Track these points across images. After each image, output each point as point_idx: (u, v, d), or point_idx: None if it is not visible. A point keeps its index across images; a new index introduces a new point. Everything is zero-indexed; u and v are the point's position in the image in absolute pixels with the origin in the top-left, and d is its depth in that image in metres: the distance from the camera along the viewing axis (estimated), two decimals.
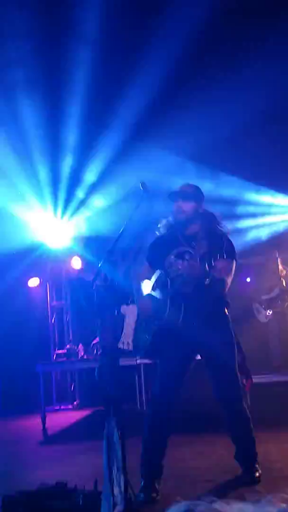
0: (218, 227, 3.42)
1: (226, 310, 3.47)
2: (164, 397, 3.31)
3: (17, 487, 3.21)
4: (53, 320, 8.96)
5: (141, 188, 3.20)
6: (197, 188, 3.47)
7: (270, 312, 7.31)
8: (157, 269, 3.40)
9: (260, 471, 3.40)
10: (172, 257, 3.35)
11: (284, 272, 7.29)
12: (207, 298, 3.28)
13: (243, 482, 3.34)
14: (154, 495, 3.11)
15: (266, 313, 7.35)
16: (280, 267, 7.33)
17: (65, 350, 7.66)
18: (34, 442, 5.63)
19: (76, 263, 8.46)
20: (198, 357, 3.49)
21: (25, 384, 7.88)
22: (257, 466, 3.43)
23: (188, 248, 3.33)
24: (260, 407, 6.17)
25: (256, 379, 6.36)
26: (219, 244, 3.30)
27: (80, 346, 7.41)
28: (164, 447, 3.35)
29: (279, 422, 5.37)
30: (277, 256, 7.33)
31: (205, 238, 3.28)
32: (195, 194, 3.42)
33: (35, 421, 6.53)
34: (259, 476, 3.36)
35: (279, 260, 7.33)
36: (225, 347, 3.37)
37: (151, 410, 3.40)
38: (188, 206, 3.37)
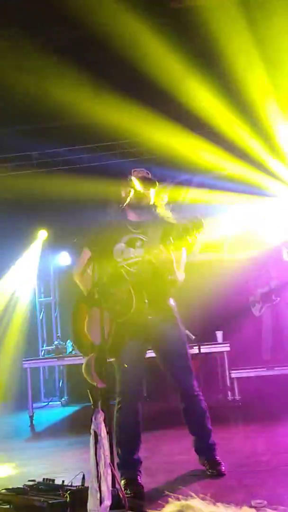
0: (167, 215, 3.42)
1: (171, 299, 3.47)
2: (132, 392, 3.31)
3: (5, 484, 3.19)
4: (41, 317, 8.93)
5: (130, 182, 3.20)
6: (151, 175, 3.45)
7: (265, 306, 7.32)
8: (102, 257, 3.26)
9: (223, 464, 3.40)
10: (123, 244, 3.30)
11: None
12: (161, 286, 3.31)
13: (213, 476, 3.34)
14: (140, 488, 3.10)
15: (260, 307, 7.37)
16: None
17: (53, 346, 7.64)
18: (22, 438, 5.61)
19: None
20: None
21: (13, 380, 7.84)
22: (218, 458, 3.43)
23: (139, 235, 3.31)
24: (248, 400, 6.24)
25: (246, 373, 6.42)
26: (170, 232, 3.26)
27: (68, 342, 7.39)
28: (138, 440, 3.35)
29: (268, 415, 5.41)
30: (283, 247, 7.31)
31: (157, 225, 3.30)
32: (153, 179, 3.41)
33: (22, 418, 6.52)
34: (223, 469, 3.36)
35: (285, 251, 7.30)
36: (177, 335, 3.41)
37: (120, 407, 3.32)
38: (148, 192, 3.35)
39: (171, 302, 3.46)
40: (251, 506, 2.64)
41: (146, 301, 3.19)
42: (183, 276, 3.40)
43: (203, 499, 2.33)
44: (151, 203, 3.38)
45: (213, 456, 3.45)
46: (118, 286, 3.17)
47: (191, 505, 0.78)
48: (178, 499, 0.82)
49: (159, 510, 0.75)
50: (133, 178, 3.25)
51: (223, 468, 3.38)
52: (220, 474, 3.34)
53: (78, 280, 3.43)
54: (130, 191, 3.25)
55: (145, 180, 3.32)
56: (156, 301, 3.26)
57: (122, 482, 3.10)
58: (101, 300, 2.85)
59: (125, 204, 3.26)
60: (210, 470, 3.40)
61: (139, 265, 3.20)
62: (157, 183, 3.41)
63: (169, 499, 2.82)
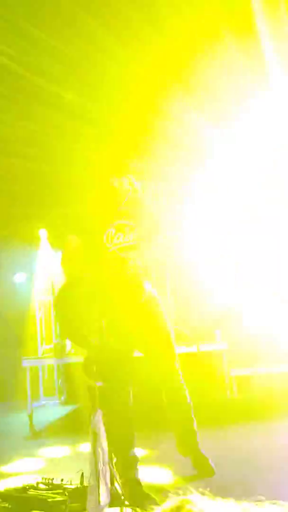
0: (149, 205, 3.49)
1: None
2: (124, 385, 3.28)
3: (4, 482, 3.20)
4: (40, 315, 8.92)
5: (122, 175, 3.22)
6: (140, 167, 3.56)
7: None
8: (88, 243, 3.32)
9: (210, 459, 3.35)
10: (113, 230, 3.32)
11: None
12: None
13: (205, 475, 3.30)
14: (139, 487, 3.10)
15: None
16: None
17: (52, 345, 7.63)
18: (21, 437, 5.61)
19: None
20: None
21: (12, 379, 7.85)
22: (204, 454, 3.38)
23: (126, 221, 3.33)
24: (247, 399, 6.25)
25: (245, 371, 6.42)
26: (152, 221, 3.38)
27: (67, 341, 7.39)
28: (132, 437, 3.33)
29: (267, 413, 5.42)
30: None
31: (141, 214, 3.36)
32: (141, 173, 3.52)
33: (22, 416, 6.51)
34: (213, 465, 3.32)
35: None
36: (161, 317, 3.40)
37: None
38: (139, 183, 3.40)
39: (155, 292, 3.47)
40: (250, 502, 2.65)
41: (150, 286, 3.20)
42: None
43: (202, 494, 2.33)
44: (128, 188, 3.39)
45: (199, 454, 3.38)
46: (126, 272, 3.22)
47: (190, 500, 0.79)
48: (178, 494, 0.83)
49: (159, 506, 0.76)
50: (125, 170, 3.26)
51: (212, 464, 3.32)
52: (211, 471, 3.28)
53: (63, 267, 3.43)
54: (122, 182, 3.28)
55: (134, 171, 3.40)
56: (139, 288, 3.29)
57: (121, 480, 3.10)
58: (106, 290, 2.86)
59: (119, 199, 3.29)
60: (200, 469, 3.33)
61: (134, 250, 3.21)
62: (143, 176, 3.46)
63: (169, 494, 2.83)
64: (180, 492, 0.89)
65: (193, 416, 3.43)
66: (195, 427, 3.43)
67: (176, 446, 3.44)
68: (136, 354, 3.47)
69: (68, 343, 7.34)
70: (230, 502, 0.84)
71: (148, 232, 3.31)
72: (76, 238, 3.38)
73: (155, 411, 3.45)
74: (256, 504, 0.81)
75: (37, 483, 3.04)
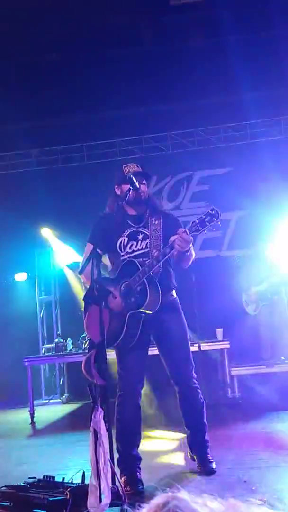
0: (161, 207, 3.49)
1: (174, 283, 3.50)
2: (133, 387, 3.32)
3: (5, 481, 3.20)
4: (41, 314, 8.94)
5: (129, 180, 3.20)
6: (143, 168, 3.45)
7: (260, 305, 7.33)
8: (105, 252, 3.38)
9: (214, 462, 3.39)
10: (125, 238, 3.33)
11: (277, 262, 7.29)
12: (169, 276, 3.39)
13: (203, 473, 3.34)
14: (140, 486, 3.11)
15: (255, 306, 7.36)
16: (272, 257, 7.35)
17: (54, 344, 7.64)
18: (23, 435, 5.62)
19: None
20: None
21: (14, 378, 7.86)
22: (209, 456, 3.41)
23: (140, 228, 3.34)
24: (248, 398, 6.25)
25: (246, 370, 6.43)
26: (172, 222, 3.35)
27: (69, 339, 7.40)
28: (138, 435, 3.37)
29: (268, 412, 5.42)
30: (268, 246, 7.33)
31: (156, 217, 3.35)
32: (149, 174, 3.45)
33: (23, 415, 6.53)
34: (214, 467, 3.36)
35: (271, 250, 7.31)
36: (179, 326, 3.42)
37: (121, 402, 3.33)
38: (144, 187, 3.37)
39: (174, 294, 3.47)
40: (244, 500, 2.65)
41: (160, 294, 3.22)
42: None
43: (201, 494, 2.34)
44: (147, 196, 3.39)
45: (205, 454, 3.43)
46: (131, 278, 3.23)
47: (177, 496, 0.79)
48: (166, 491, 0.83)
49: (147, 503, 0.76)
50: (130, 175, 3.24)
51: (214, 466, 3.37)
52: (211, 472, 3.33)
53: (82, 276, 3.45)
54: (129, 189, 3.24)
55: (138, 175, 3.32)
56: (162, 292, 3.29)
57: (122, 478, 3.11)
58: (101, 296, 2.84)
59: (124, 201, 3.25)
60: (201, 467, 3.39)
61: (146, 258, 3.24)
62: (149, 174, 3.45)
63: (157, 492, 2.85)
64: (168, 489, 0.89)
65: (204, 417, 3.47)
66: (205, 427, 3.47)
67: (188, 441, 3.52)
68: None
69: (69, 342, 7.36)
70: (216, 498, 0.84)
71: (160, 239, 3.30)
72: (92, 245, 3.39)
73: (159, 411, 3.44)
74: (245, 503, 0.81)
75: (38, 482, 3.04)
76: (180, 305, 3.50)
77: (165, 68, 8.00)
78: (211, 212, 3.04)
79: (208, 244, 8.55)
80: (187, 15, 7.77)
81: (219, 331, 6.68)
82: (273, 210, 7.95)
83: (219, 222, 3.06)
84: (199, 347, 6.24)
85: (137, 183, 3.24)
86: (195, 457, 3.45)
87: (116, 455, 3.01)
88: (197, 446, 3.47)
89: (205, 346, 6.38)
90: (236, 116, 8.39)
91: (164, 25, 7.85)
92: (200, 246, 8.50)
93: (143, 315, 3.22)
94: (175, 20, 7.83)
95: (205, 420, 3.48)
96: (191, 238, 3.08)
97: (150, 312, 3.22)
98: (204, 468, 3.36)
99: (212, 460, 3.40)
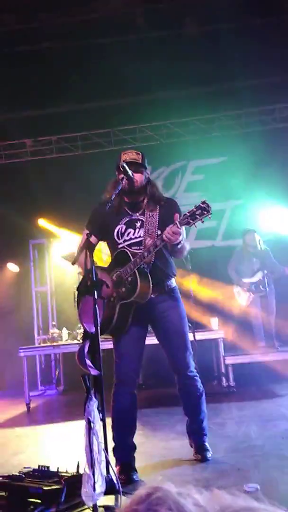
0: (161, 194, 3.42)
1: (173, 271, 3.49)
2: (129, 376, 3.33)
3: (1, 470, 3.22)
4: (36, 305, 8.94)
5: (122, 168, 3.18)
6: (143, 155, 3.41)
7: (252, 296, 7.36)
8: (103, 239, 3.39)
9: (210, 451, 3.41)
10: (123, 226, 3.32)
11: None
12: (167, 264, 3.39)
13: (198, 460, 3.37)
14: (134, 475, 3.12)
15: (247, 297, 7.40)
16: (261, 245, 7.37)
17: (49, 335, 7.66)
18: (18, 426, 5.64)
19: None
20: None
21: (10, 368, 7.88)
22: (206, 444, 3.44)
23: (138, 217, 3.33)
24: (242, 386, 6.28)
25: (241, 359, 6.46)
26: (169, 209, 3.31)
27: (64, 330, 7.41)
28: (133, 424, 3.37)
29: (262, 401, 5.45)
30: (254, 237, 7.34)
31: (154, 204, 3.33)
32: (144, 161, 3.38)
33: (19, 405, 6.55)
34: (209, 456, 3.38)
35: (255, 239, 7.32)
36: (178, 314, 3.41)
37: (116, 390, 3.35)
38: (139, 176, 3.33)
39: (173, 282, 3.46)
40: (244, 491, 2.68)
41: (151, 283, 3.21)
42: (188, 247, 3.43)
43: (186, 484, 2.37)
44: (141, 184, 3.36)
45: (202, 441, 3.46)
46: (123, 268, 3.23)
47: (161, 487, 0.80)
48: (147, 483, 0.84)
49: (131, 494, 0.77)
50: (123, 164, 3.22)
51: (209, 454, 3.39)
52: (205, 460, 3.35)
53: (77, 265, 3.46)
54: (122, 178, 3.22)
55: (132, 164, 3.30)
56: (158, 281, 3.28)
57: (117, 467, 3.13)
58: (94, 287, 2.84)
59: (119, 190, 3.23)
60: (196, 454, 3.42)
61: (142, 246, 3.24)
62: (145, 165, 3.39)
63: (141, 482, 2.89)
64: (153, 479, 0.90)
65: (203, 405, 3.48)
66: (203, 415, 3.49)
67: (186, 428, 3.55)
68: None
69: (64, 332, 7.37)
70: (200, 490, 0.85)
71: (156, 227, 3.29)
72: (88, 232, 3.39)
73: (156, 400, 3.44)
74: (229, 493, 0.81)
75: (33, 472, 3.05)
76: (179, 294, 3.50)
77: (158, 56, 7.94)
78: (202, 205, 3.03)
79: (203, 234, 8.56)
80: (181, 2, 7.72)
81: (214, 321, 6.70)
82: (267, 200, 7.96)
83: (209, 216, 3.05)
84: (194, 336, 6.26)
85: (130, 172, 3.21)
86: (193, 444, 3.48)
87: (111, 444, 3.03)
88: (194, 433, 3.49)
89: (199, 336, 6.40)
90: (230, 105, 8.36)
91: (158, 11, 7.78)
92: (195, 236, 8.51)
93: (135, 304, 3.22)
94: (168, 7, 7.76)
95: (204, 408, 3.49)
96: (181, 230, 3.06)
97: (142, 301, 3.22)
98: (199, 456, 3.40)
99: (208, 449, 3.42)
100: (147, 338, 3.47)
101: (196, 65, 7.76)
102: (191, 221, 3.04)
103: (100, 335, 2.83)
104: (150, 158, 3.52)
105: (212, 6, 7.46)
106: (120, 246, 3.31)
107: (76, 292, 3.34)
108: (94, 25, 7.88)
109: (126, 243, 3.31)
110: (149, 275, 3.22)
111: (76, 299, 3.54)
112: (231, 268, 7.50)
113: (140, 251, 3.22)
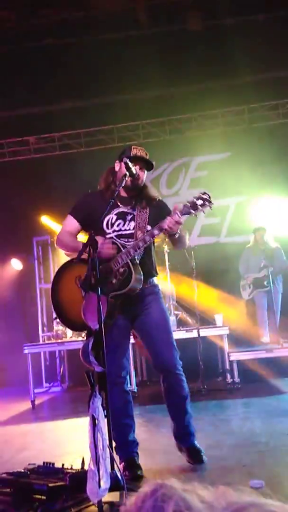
0: (154, 195, 3.38)
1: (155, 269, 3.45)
2: (119, 372, 3.25)
3: (6, 467, 3.22)
4: (41, 302, 8.95)
5: (126, 164, 3.16)
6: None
7: (256, 291, 7.37)
8: (87, 228, 3.29)
9: (203, 452, 3.25)
10: (114, 216, 3.27)
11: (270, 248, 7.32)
12: (151, 262, 3.35)
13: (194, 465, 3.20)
14: (139, 472, 3.11)
15: (250, 291, 7.42)
16: (272, 243, 7.36)
17: (54, 332, 7.67)
18: (23, 422, 5.65)
19: None
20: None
21: (14, 365, 7.90)
22: (197, 445, 3.28)
23: (129, 210, 3.30)
24: (247, 383, 6.27)
25: (245, 355, 6.45)
26: (160, 208, 3.30)
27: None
28: (131, 420, 3.30)
29: (267, 397, 5.44)
30: (263, 235, 7.35)
31: (147, 201, 3.30)
32: (150, 162, 3.36)
33: (24, 402, 6.57)
34: (204, 457, 3.22)
35: (264, 236, 7.34)
36: (160, 310, 3.34)
37: (108, 387, 3.21)
38: (143, 174, 3.32)
39: (155, 280, 3.41)
40: (249, 486, 2.67)
41: (143, 277, 3.17)
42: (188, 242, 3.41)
43: (191, 481, 2.37)
44: (142, 183, 3.34)
45: (193, 445, 3.29)
46: (114, 259, 3.17)
47: (166, 484, 0.79)
48: (152, 479, 0.84)
49: (136, 491, 0.77)
50: (125, 160, 3.19)
51: (205, 458, 3.23)
52: (200, 462, 3.20)
53: (58, 245, 3.46)
54: (125, 174, 3.20)
55: (142, 162, 3.28)
56: (144, 275, 3.23)
57: (121, 464, 3.12)
58: (98, 282, 2.82)
59: (120, 185, 3.20)
60: (190, 460, 3.23)
61: (132, 238, 3.21)
62: (153, 165, 3.39)
63: (145, 479, 2.87)
64: (157, 476, 0.89)
65: (188, 405, 3.33)
66: (190, 417, 3.33)
67: (173, 433, 3.38)
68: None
69: (69, 329, 7.38)
70: (206, 487, 0.84)
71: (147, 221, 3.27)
72: (73, 219, 3.36)
73: (160, 396, 3.40)
74: (235, 490, 0.80)
75: (38, 468, 3.06)
76: (161, 293, 3.44)
77: (163, 53, 7.93)
78: (203, 195, 3.02)
79: (207, 231, 8.55)
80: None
81: (218, 317, 6.69)
82: (272, 196, 7.94)
83: (210, 207, 3.03)
84: (198, 332, 6.26)
85: (133, 169, 3.19)
86: (183, 448, 3.31)
87: (114, 442, 3.02)
88: (184, 437, 3.32)
89: (204, 332, 6.39)
90: (234, 101, 8.33)
91: (160, 7, 7.76)
92: (199, 232, 8.50)
93: (122, 296, 3.16)
94: (171, 2, 7.74)
95: (189, 409, 3.33)
96: (182, 220, 3.05)
97: (132, 294, 3.16)
98: (194, 460, 3.23)
99: (200, 449, 3.27)
100: None
101: (199, 61, 7.74)
102: (192, 210, 3.03)
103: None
104: (153, 154, 3.52)
105: (215, 1, 7.44)
106: (109, 236, 3.24)
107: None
108: (96, 21, 7.87)
109: (115, 233, 3.24)
110: (139, 267, 3.19)
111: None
112: (241, 265, 7.54)
113: (129, 243, 3.18)
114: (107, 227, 3.27)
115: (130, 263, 3.13)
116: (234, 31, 7.73)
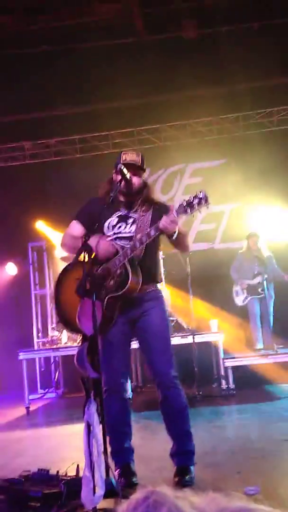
0: (156, 198, 3.36)
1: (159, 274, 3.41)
2: (118, 378, 3.21)
3: (1, 474, 3.21)
4: (36, 308, 8.94)
5: (120, 171, 3.16)
6: (143, 157, 3.36)
7: (250, 297, 7.39)
8: (90, 231, 3.22)
9: (192, 474, 3.04)
10: (115, 219, 3.26)
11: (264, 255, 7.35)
12: (154, 266, 3.30)
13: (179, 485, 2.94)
14: (134, 479, 3.10)
15: (244, 297, 7.44)
16: (265, 251, 7.39)
17: (49, 338, 7.66)
18: (18, 429, 5.64)
19: None
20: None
21: (9, 371, 7.87)
22: (190, 468, 3.09)
23: (130, 213, 3.29)
24: (242, 389, 6.28)
25: (240, 361, 6.47)
26: (162, 210, 3.20)
27: (64, 333, 7.41)
28: (128, 427, 3.26)
29: (261, 403, 5.45)
30: (257, 241, 7.38)
31: (147, 207, 3.26)
32: (143, 163, 3.33)
33: (19, 408, 6.55)
34: (187, 480, 3.00)
35: (261, 244, 7.37)
36: (160, 317, 3.25)
37: (106, 397, 3.08)
38: (137, 178, 3.29)
39: (158, 286, 3.35)
40: (244, 493, 2.68)
41: (141, 278, 3.13)
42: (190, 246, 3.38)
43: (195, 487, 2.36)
44: (138, 186, 3.32)
45: (187, 466, 3.09)
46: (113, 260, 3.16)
47: (157, 491, 0.80)
48: (146, 486, 0.84)
49: (128, 498, 0.78)
50: (121, 167, 3.20)
51: (189, 479, 3.01)
52: (183, 484, 2.95)
53: (62, 248, 3.48)
54: (120, 179, 3.21)
55: (131, 166, 3.26)
56: (145, 278, 3.17)
57: (116, 471, 3.11)
58: (92, 287, 2.82)
59: (116, 191, 3.21)
60: (178, 478, 3.02)
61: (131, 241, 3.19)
62: (144, 167, 3.35)
63: (140, 485, 2.88)
64: (149, 484, 0.90)
65: (188, 423, 3.20)
66: (189, 436, 3.19)
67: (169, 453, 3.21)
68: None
69: (64, 335, 7.37)
70: (197, 493, 0.85)
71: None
72: (78, 224, 3.37)
73: (156, 401, 3.37)
74: (226, 496, 0.82)
75: (33, 475, 3.05)
76: (164, 300, 3.35)
77: (158, 60, 7.97)
78: (199, 195, 2.99)
79: (202, 237, 8.57)
80: (179, 6, 7.75)
81: (213, 323, 6.70)
82: (266, 203, 7.98)
83: (207, 206, 2.99)
84: (193, 338, 6.26)
85: (127, 175, 3.20)
86: (175, 468, 3.12)
87: (109, 448, 3.01)
88: (180, 457, 3.14)
89: (199, 338, 6.40)
90: (228, 108, 8.37)
91: (156, 14, 7.82)
92: (194, 238, 8.52)
93: (121, 299, 3.12)
94: (166, 10, 7.79)
95: (188, 427, 3.19)
96: (177, 219, 3.00)
97: (130, 296, 3.12)
98: (176, 478, 3.03)
99: (191, 472, 3.07)
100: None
101: (194, 68, 7.78)
102: (188, 209, 2.98)
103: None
104: (148, 161, 3.51)
105: (210, 9, 7.50)
106: (109, 239, 3.23)
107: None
108: (92, 28, 7.91)
109: (115, 235, 3.24)
110: (139, 268, 3.13)
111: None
112: (233, 270, 7.55)
113: (129, 245, 3.15)
114: (108, 229, 3.27)
115: (127, 264, 3.09)
116: (229, 39, 7.79)
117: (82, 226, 3.35)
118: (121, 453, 3.20)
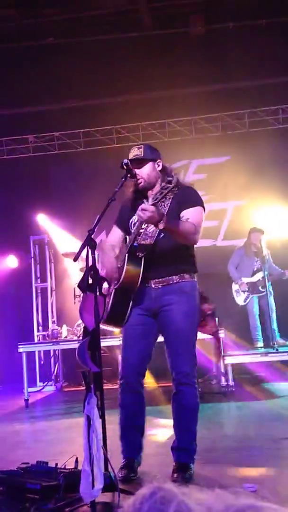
0: (178, 180, 3.13)
1: (189, 266, 3.25)
2: (135, 370, 3.17)
3: (0, 466, 3.22)
4: (36, 301, 8.94)
5: (124, 167, 3.14)
6: (149, 147, 3.30)
7: (251, 296, 7.38)
8: (122, 232, 3.30)
9: (192, 471, 3.01)
10: (136, 217, 3.18)
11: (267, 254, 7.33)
12: (169, 250, 3.12)
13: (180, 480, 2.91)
14: (132, 475, 3.07)
15: (245, 296, 7.42)
16: (264, 249, 7.37)
17: (49, 331, 7.66)
18: (17, 422, 5.64)
19: None
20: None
21: (9, 364, 7.88)
22: (191, 466, 3.04)
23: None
24: (242, 386, 6.28)
25: (240, 358, 6.46)
26: (181, 198, 3.14)
27: (64, 327, 7.41)
28: (141, 420, 3.22)
29: (261, 400, 5.45)
30: (261, 238, 7.36)
31: (169, 194, 3.03)
32: (147, 153, 3.23)
33: (18, 401, 6.56)
34: (187, 476, 2.95)
35: (262, 242, 7.35)
36: (182, 312, 3.11)
37: (122, 385, 3.17)
38: (144, 171, 3.21)
39: (186, 277, 3.17)
40: (240, 489, 2.68)
41: (141, 269, 3.06)
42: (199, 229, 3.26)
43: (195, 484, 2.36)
44: (152, 176, 3.24)
45: (185, 460, 3.04)
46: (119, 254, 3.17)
47: (164, 487, 0.79)
48: (151, 482, 0.83)
49: (130, 492, 0.77)
50: (123, 163, 3.15)
51: (189, 476, 2.96)
52: (183, 480, 2.89)
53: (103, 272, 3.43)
54: (125, 174, 3.19)
55: (135, 161, 3.20)
56: (161, 270, 3.11)
57: (123, 461, 3.11)
58: (95, 281, 2.81)
59: (120, 186, 3.17)
60: (173, 474, 2.98)
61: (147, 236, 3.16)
62: (150, 157, 3.26)
63: (143, 482, 2.88)
64: (154, 479, 0.90)
65: (195, 423, 3.14)
66: (193, 435, 3.12)
67: (171, 447, 3.18)
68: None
69: (64, 329, 7.37)
70: (203, 489, 0.85)
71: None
72: (117, 228, 3.39)
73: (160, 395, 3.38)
74: (232, 493, 0.81)
75: (32, 467, 3.05)
76: (194, 291, 3.19)
77: (162, 55, 7.94)
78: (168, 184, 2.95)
79: (204, 233, 8.53)
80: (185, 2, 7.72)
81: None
82: (270, 201, 7.95)
83: (175, 191, 2.98)
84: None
85: (132, 171, 3.18)
86: (174, 464, 3.08)
87: (110, 441, 3.00)
88: (180, 453, 3.09)
89: (199, 335, 6.37)
90: (234, 105, 8.35)
91: (162, 11, 7.80)
92: None
93: (131, 292, 3.08)
94: (173, 6, 7.77)
95: (193, 427, 3.11)
96: (151, 208, 2.83)
97: (133, 287, 3.06)
98: (175, 475, 2.98)
99: (190, 469, 3.03)
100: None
101: (200, 64, 7.76)
102: (158, 197, 2.93)
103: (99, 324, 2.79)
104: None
105: (217, 6, 7.46)
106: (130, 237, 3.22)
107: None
108: (97, 21, 7.88)
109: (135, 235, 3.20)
110: (142, 260, 3.05)
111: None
112: (232, 265, 7.50)
113: (147, 242, 3.12)
114: (131, 228, 3.26)
115: (126, 256, 3.06)
116: (236, 35, 7.76)
117: (120, 230, 3.37)
118: (129, 447, 3.18)
